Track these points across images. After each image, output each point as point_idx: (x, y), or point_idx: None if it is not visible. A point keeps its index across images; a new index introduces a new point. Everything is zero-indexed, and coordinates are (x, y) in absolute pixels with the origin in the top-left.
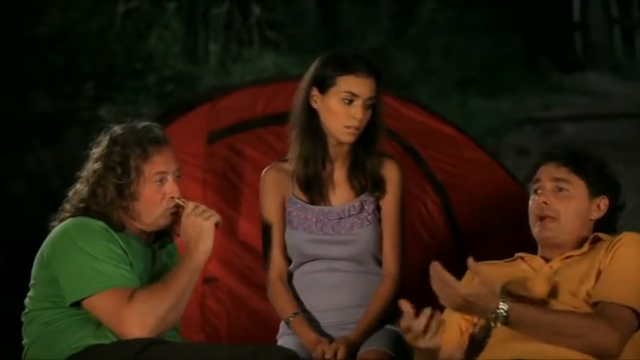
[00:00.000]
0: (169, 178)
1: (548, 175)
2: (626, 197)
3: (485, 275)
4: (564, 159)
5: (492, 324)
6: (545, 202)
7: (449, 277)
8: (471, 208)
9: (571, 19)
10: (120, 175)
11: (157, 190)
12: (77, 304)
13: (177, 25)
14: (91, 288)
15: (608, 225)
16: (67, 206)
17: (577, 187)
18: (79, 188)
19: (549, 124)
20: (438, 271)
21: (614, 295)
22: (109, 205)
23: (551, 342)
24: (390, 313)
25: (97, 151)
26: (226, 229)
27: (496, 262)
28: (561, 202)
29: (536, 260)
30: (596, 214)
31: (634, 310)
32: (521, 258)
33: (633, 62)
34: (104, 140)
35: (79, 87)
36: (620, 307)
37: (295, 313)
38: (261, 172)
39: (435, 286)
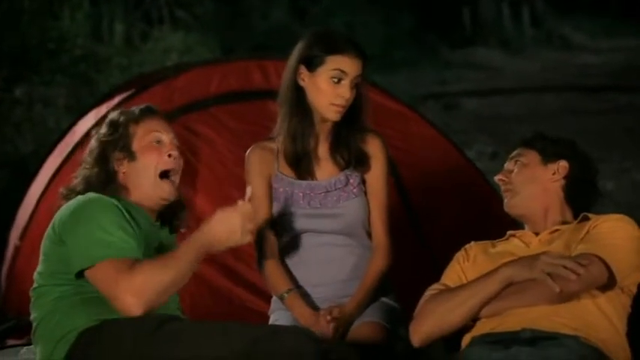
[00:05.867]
0: (164, 139)
1: (509, 158)
2: None
3: None
4: (521, 142)
5: None
6: (501, 179)
7: None
8: (421, 183)
9: None
10: (118, 140)
11: (155, 148)
12: (85, 280)
13: (87, 5)
14: (92, 257)
15: (584, 198)
16: (75, 184)
17: (529, 156)
18: (86, 171)
19: (450, 99)
20: None
21: (590, 248)
22: (115, 175)
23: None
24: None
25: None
26: None
27: (492, 241)
28: (515, 173)
29: (527, 235)
30: (556, 176)
31: (606, 265)
32: (513, 235)
33: (521, 37)
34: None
35: None
36: (592, 257)
37: (289, 289)
38: (217, 150)
39: None
